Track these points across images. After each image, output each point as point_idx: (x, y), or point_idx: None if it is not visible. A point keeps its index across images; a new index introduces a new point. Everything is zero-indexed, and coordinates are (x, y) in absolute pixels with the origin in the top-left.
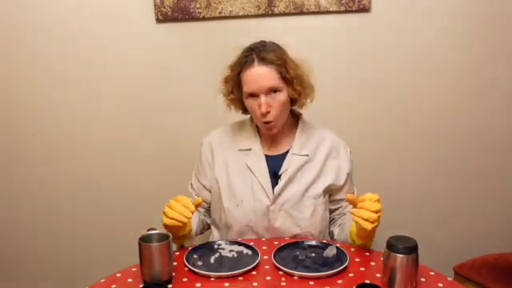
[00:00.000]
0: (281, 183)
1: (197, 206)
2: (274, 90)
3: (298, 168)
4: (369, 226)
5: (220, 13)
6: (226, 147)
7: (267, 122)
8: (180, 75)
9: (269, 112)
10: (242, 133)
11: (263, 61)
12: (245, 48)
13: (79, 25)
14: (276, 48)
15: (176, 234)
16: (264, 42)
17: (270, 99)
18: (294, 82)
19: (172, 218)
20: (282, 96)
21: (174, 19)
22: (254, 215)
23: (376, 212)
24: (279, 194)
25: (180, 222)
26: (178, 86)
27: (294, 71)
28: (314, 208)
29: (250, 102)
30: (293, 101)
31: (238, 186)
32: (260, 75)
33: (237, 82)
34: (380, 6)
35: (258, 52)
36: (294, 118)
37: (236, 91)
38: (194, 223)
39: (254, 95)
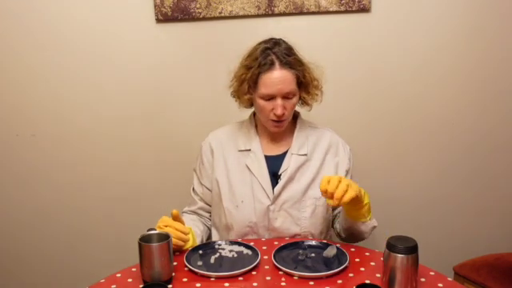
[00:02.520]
0: (280, 183)
1: (174, 218)
2: (290, 94)
3: (298, 167)
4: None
5: (220, 13)
6: (225, 148)
7: (278, 121)
8: (180, 75)
9: (283, 114)
10: (241, 133)
11: (285, 65)
12: (261, 47)
13: (79, 25)
14: (291, 49)
15: (179, 250)
16: (276, 40)
17: (285, 101)
18: (310, 87)
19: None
20: (295, 99)
21: (174, 19)
22: (254, 215)
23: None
24: (279, 194)
25: (180, 245)
26: (178, 85)
27: (309, 76)
28: (315, 208)
29: (262, 103)
30: (302, 102)
31: (238, 187)
32: (280, 79)
33: (254, 81)
34: (380, 6)
35: (278, 55)
36: (293, 117)
37: (252, 91)
38: (199, 235)
39: (269, 97)
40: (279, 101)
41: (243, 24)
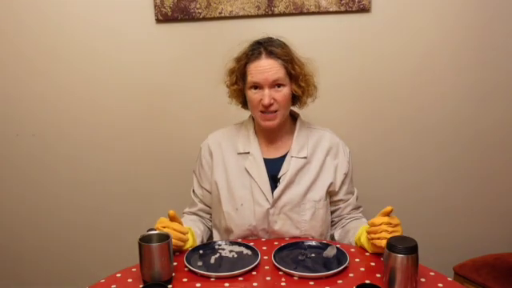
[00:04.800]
0: (280, 186)
1: (171, 219)
2: (278, 84)
3: (297, 170)
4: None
5: (220, 13)
6: (224, 150)
7: (267, 112)
8: (180, 75)
9: (271, 104)
10: (240, 136)
11: (271, 54)
12: (252, 41)
13: (79, 25)
14: (283, 44)
15: (179, 250)
16: (271, 37)
17: (274, 92)
18: (300, 79)
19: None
20: (285, 91)
21: (174, 19)
22: (253, 219)
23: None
24: (279, 197)
25: (179, 246)
26: (178, 85)
27: (299, 68)
28: (314, 211)
29: (252, 94)
30: (295, 99)
31: (238, 190)
32: (266, 67)
33: (242, 72)
34: (380, 6)
35: (266, 45)
36: (292, 119)
37: (240, 82)
38: (199, 235)
39: (257, 87)
40: (266, 90)
41: (243, 24)
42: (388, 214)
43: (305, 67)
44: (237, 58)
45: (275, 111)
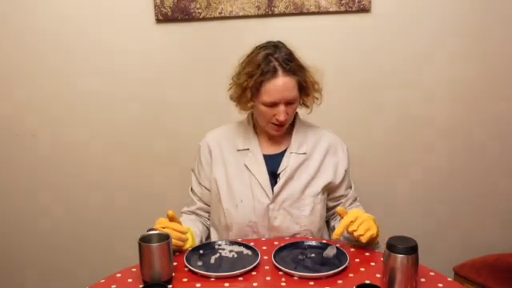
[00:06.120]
0: (280, 182)
1: (171, 219)
2: (292, 100)
3: (297, 166)
4: (364, 240)
5: (220, 13)
6: (223, 148)
7: (279, 125)
8: (180, 75)
9: (286, 119)
10: (239, 133)
11: (288, 72)
12: (261, 53)
13: (79, 25)
14: (292, 55)
15: (179, 250)
16: (275, 43)
17: (288, 107)
18: (309, 90)
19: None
20: (297, 104)
21: (174, 19)
22: (253, 215)
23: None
24: (279, 193)
25: (179, 245)
26: (178, 85)
27: (309, 79)
28: (313, 206)
29: (264, 109)
30: (301, 102)
31: (238, 187)
32: (283, 86)
33: (256, 88)
34: (380, 5)
35: (280, 61)
36: None
37: (254, 98)
38: (198, 235)
39: (272, 104)
40: (282, 107)
41: (243, 24)
42: (342, 217)
43: (314, 77)
44: (248, 73)
45: (285, 125)
